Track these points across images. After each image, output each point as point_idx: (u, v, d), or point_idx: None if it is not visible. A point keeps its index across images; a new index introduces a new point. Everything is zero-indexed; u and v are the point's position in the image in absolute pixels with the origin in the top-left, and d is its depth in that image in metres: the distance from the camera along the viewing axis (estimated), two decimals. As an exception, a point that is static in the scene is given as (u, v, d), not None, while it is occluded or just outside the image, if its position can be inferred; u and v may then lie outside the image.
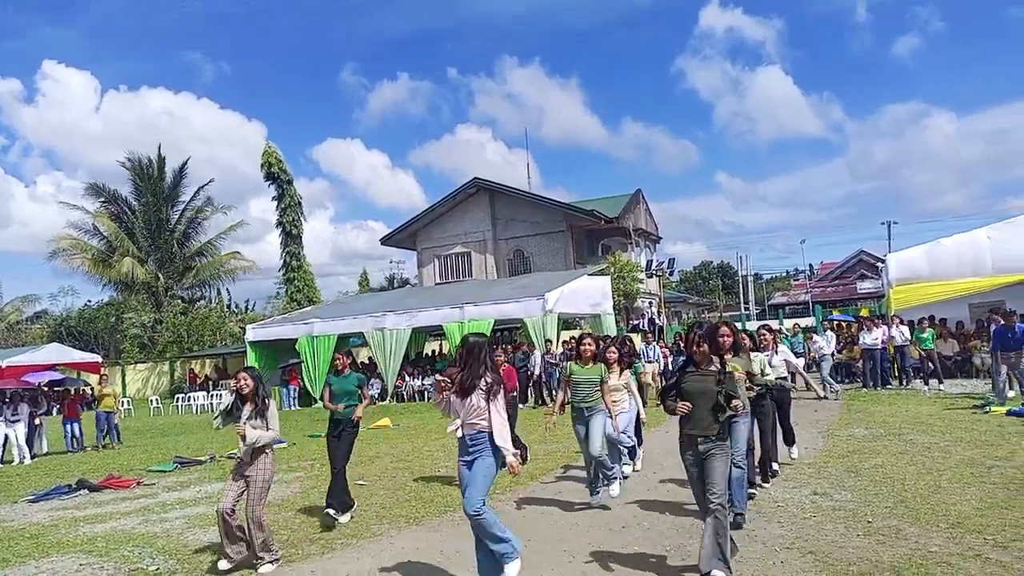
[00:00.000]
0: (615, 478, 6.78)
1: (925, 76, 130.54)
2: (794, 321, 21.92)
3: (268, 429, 5.57)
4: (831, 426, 10.68)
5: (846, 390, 15.60)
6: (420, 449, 11.38)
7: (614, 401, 7.15)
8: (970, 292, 15.84)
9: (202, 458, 11.84)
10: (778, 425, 7.66)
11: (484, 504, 4.47)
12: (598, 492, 6.75)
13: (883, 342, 15.56)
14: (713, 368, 4.72)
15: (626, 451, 7.84)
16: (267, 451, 5.65)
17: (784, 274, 76.14)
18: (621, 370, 7.52)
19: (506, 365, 9.33)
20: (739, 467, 5.73)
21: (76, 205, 38.09)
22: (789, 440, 8.09)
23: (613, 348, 7.52)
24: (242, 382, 5.65)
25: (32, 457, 13.95)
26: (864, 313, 21.77)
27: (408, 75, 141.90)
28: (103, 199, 38.10)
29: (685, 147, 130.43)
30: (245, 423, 5.53)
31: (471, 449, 4.62)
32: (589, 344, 6.92)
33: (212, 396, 25.37)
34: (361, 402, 7.04)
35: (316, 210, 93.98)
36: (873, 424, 10.57)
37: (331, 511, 6.67)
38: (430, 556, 5.53)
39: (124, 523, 7.59)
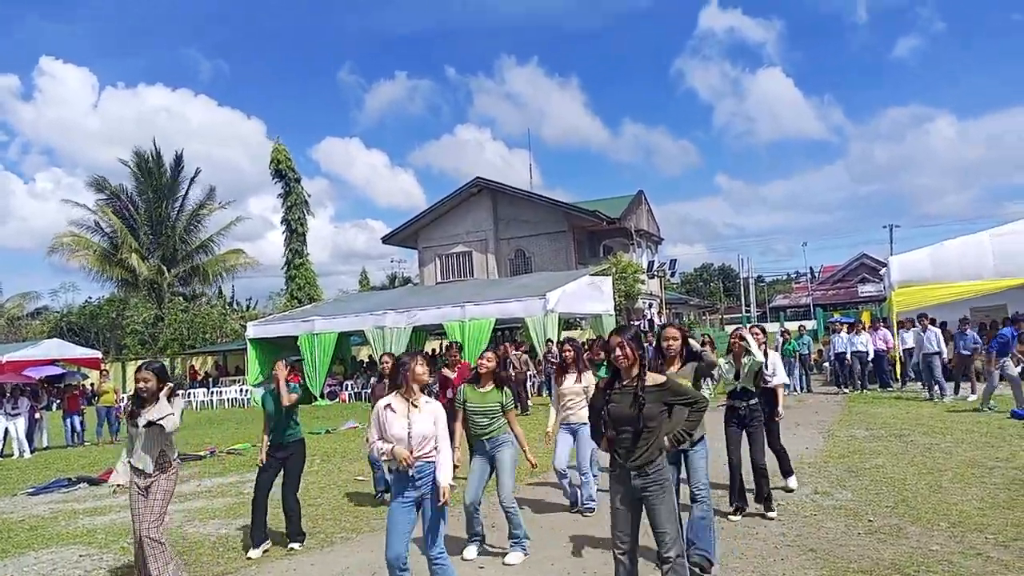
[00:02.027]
0: (522, 541, 5.24)
1: (926, 80, 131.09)
2: (799, 323, 21.92)
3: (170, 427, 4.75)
4: (832, 426, 10.67)
5: (846, 392, 15.59)
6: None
7: (569, 408, 6.36)
8: (972, 295, 15.82)
9: (201, 453, 11.83)
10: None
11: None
12: (521, 541, 5.23)
13: (880, 344, 15.58)
14: (634, 383, 3.70)
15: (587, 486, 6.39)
16: (169, 457, 4.85)
17: (785, 277, 76.47)
18: (580, 372, 6.45)
19: (463, 362, 8.51)
20: (702, 501, 4.76)
21: (78, 202, 38.12)
22: (783, 467, 6.79)
23: (568, 347, 6.56)
24: (142, 382, 4.72)
25: (32, 451, 13.96)
26: (865, 316, 21.74)
27: (406, 74, 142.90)
28: (106, 194, 38.08)
29: (685, 148, 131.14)
30: (140, 429, 4.74)
31: (419, 484, 3.99)
32: (488, 360, 5.50)
33: (212, 393, 25.44)
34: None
35: (316, 209, 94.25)
36: (874, 425, 10.55)
37: (295, 544, 6.00)
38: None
39: (123, 516, 7.58)
